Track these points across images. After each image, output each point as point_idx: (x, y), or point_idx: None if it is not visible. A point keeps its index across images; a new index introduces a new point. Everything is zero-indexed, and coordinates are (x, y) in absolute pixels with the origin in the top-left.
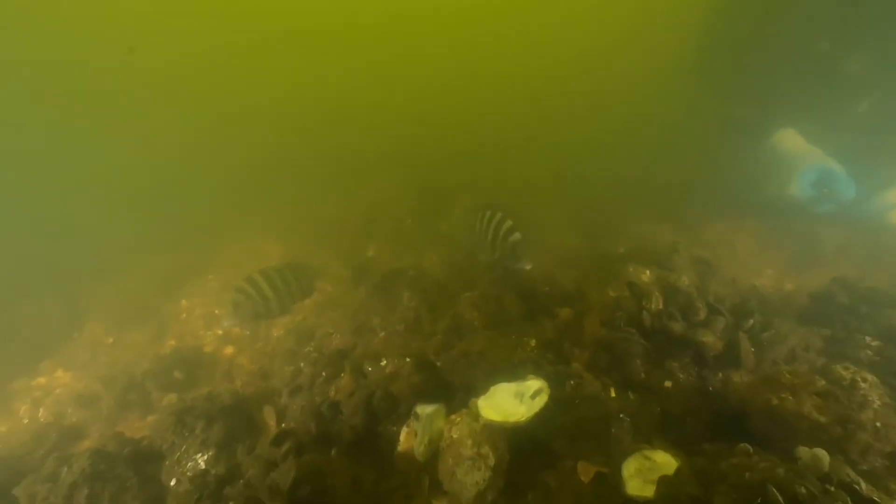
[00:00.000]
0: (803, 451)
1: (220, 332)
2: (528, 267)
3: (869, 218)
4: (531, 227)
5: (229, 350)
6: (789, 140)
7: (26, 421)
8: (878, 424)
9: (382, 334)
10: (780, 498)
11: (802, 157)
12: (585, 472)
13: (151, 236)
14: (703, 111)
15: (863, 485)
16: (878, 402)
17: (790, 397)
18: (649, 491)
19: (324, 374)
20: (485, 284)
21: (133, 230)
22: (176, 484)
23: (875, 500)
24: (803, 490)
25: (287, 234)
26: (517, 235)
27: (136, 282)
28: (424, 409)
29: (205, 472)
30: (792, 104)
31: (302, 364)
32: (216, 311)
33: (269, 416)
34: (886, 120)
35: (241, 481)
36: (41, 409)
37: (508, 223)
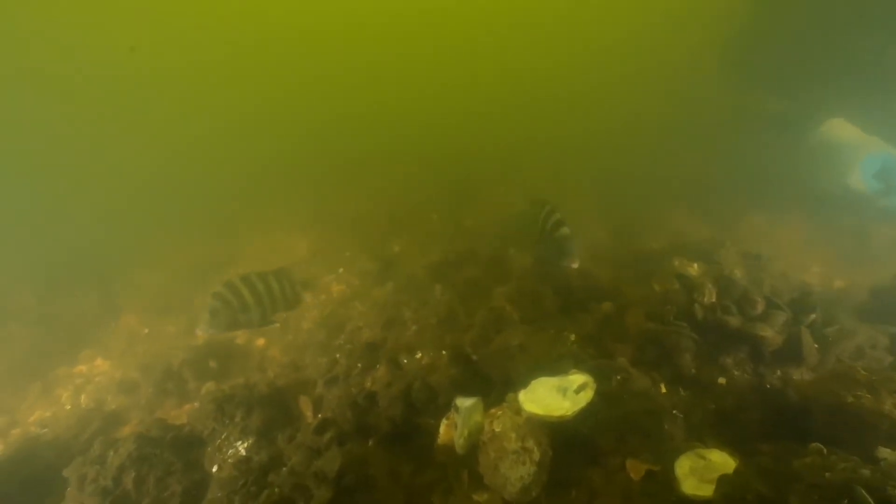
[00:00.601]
0: (887, 452)
1: None
2: (575, 265)
3: None
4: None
5: (261, 342)
6: (841, 130)
7: (69, 407)
8: None
9: (414, 328)
10: (871, 499)
11: (860, 147)
12: (635, 469)
13: (180, 231)
14: (739, 105)
15: None
16: None
17: (868, 395)
18: (707, 490)
19: (359, 365)
20: (518, 279)
21: (162, 225)
22: (218, 470)
23: None
24: (892, 490)
25: (313, 229)
26: (565, 230)
27: (167, 275)
28: (464, 402)
29: (248, 459)
30: (839, 95)
31: (338, 355)
32: None
33: (306, 406)
34: None
35: (285, 468)
36: (83, 396)
37: (557, 216)
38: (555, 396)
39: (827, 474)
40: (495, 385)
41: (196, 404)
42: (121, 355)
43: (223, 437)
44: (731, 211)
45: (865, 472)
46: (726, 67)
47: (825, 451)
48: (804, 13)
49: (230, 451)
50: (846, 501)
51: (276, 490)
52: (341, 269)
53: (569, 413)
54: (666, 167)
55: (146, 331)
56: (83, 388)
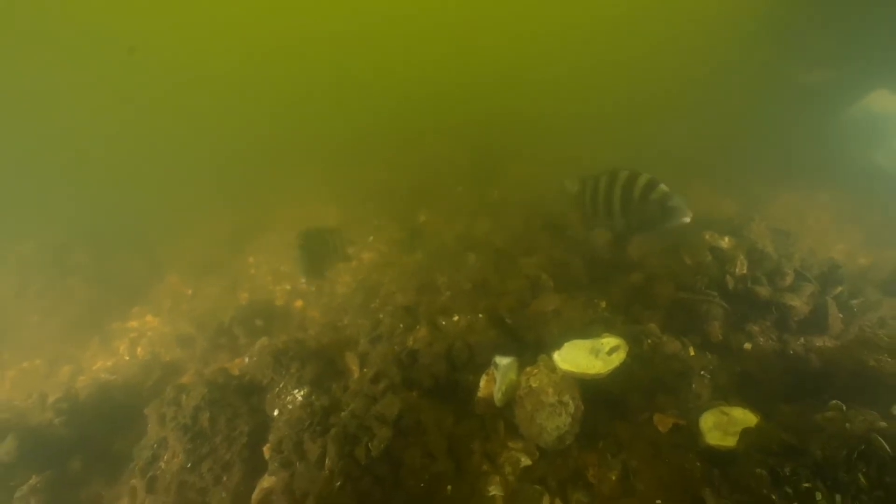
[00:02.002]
0: None
1: (287, 286)
2: (688, 219)
3: None
4: None
5: (299, 303)
6: (885, 101)
7: (127, 357)
8: None
9: (448, 293)
10: (887, 446)
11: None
12: (662, 423)
13: (216, 201)
14: (776, 76)
15: None
16: None
17: (889, 359)
18: (731, 441)
19: (401, 325)
20: (547, 249)
21: (200, 195)
22: (279, 414)
23: None
24: None
25: (342, 199)
26: (662, 187)
27: (205, 240)
28: (502, 360)
29: (310, 403)
30: (884, 65)
31: (381, 315)
32: (281, 268)
33: (352, 362)
34: None
35: (345, 412)
36: (138, 348)
37: (644, 178)
38: (587, 357)
39: (847, 425)
40: (529, 346)
41: (246, 359)
42: (168, 312)
43: (281, 385)
44: (760, 186)
45: (882, 423)
46: (765, 37)
47: (845, 407)
48: None
49: (288, 398)
50: (864, 447)
51: (342, 428)
52: (371, 238)
53: (603, 372)
54: (697, 141)
55: (190, 291)
56: (138, 341)
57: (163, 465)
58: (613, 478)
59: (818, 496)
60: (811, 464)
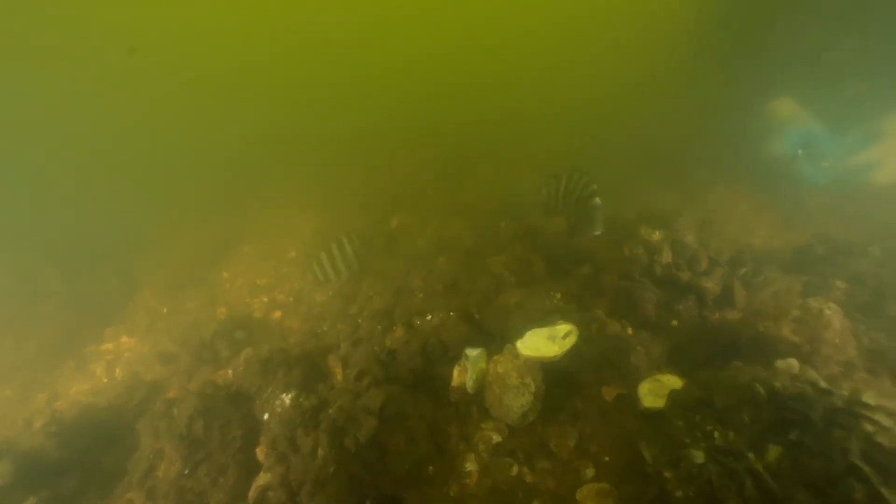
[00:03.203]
0: (779, 362)
1: (265, 299)
2: (598, 233)
3: (848, 180)
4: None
5: (277, 314)
6: (784, 106)
7: (105, 380)
8: (836, 342)
9: (421, 295)
10: (762, 390)
11: (791, 120)
12: (608, 393)
13: (190, 212)
14: (707, 86)
15: (822, 382)
16: (838, 325)
17: (772, 324)
18: (660, 403)
19: (379, 327)
20: (511, 248)
21: (172, 206)
22: (269, 418)
23: (829, 390)
24: (777, 384)
25: (316, 206)
26: (598, 200)
27: (180, 254)
28: (472, 352)
29: (299, 404)
30: (789, 79)
31: (360, 320)
32: (258, 281)
33: (335, 364)
34: (869, 99)
35: (331, 409)
36: (116, 369)
37: (594, 186)
38: (545, 343)
39: (739, 378)
40: (495, 338)
41: (230, 371)
42: (145, 331)
43: (269, 391)
44: (696, 183)
45: (763, 374)
46: (698, 54)
47: (741, 365)
48: (764, 7)
49: (276, 402)
50: (749, 393)
51: (332, 422)
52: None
53: (558, 354)
54: (644, 144)
55: (165, 309)
56: (115, 362)
57: (160, 473)
58: (571, 444)
59: (716, 435)
60: (713, 412)
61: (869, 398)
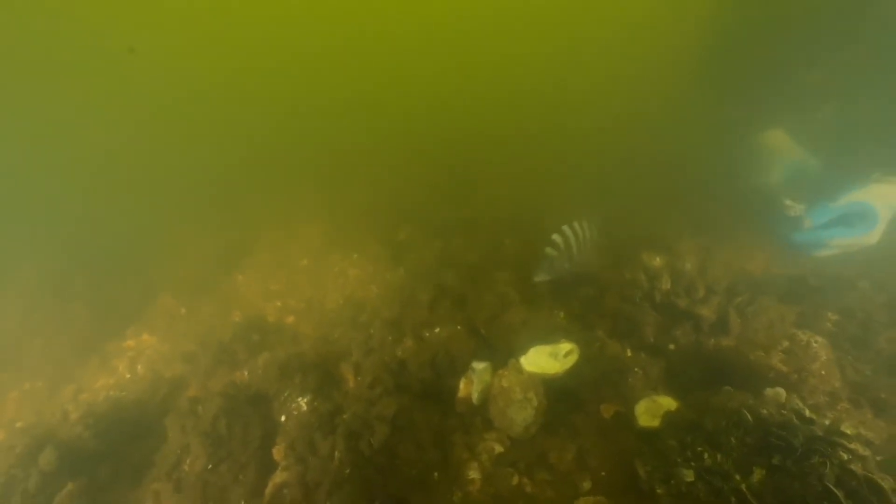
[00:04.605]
0: (768, 390)
1: (278, 303)
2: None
3: (829, 245)
4: (555, 213)
5: (291, 318)
6: (774, 138)
7: (128, 375)
8: (822, 373)
9: (430, 308)
10: (750, 416)
11: (780, 153)
12: (607, 411)
13: (204, 217)
14: (706, 113)
15: (807, 411)
16: (824, 357)
17: (763, 353)
18: (656, 422)
19: (390, 338)
20: (515, 266)
21: (185, 216)
22: (286, 419)
23: (812, 418)
24: (764, 411)
25: (324, 217)
26: (549, 250)
27: (195, 259)
28: (478, 365)
29: (316, 408)
30: (780, 106)
31: (371, 330)
32: (271, 286)
33: (347, 371)
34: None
35: (347, 414)
36: (139, 366)
37: (587, 225)
38: (548, 360)
39: (729, 404)
40: (500, 352)
41: (246, 372)
42: (165, 331)
43: (286, 394)
44: (699, 206)
45: (751, 400)
46: (700, 80)
47: (732, 391)
48: (757, 36)
49: (293, 405)
50: (737, 418)
51: (347, 427)
52: (356, 255)
53: (559, 371)
54: (647, 165)
55: (183, 310)
56: (137, 359)
57: (186, 467)
58: (570, 458)
59: (706, 456)
60: (704, 433)
61: (847, 428)
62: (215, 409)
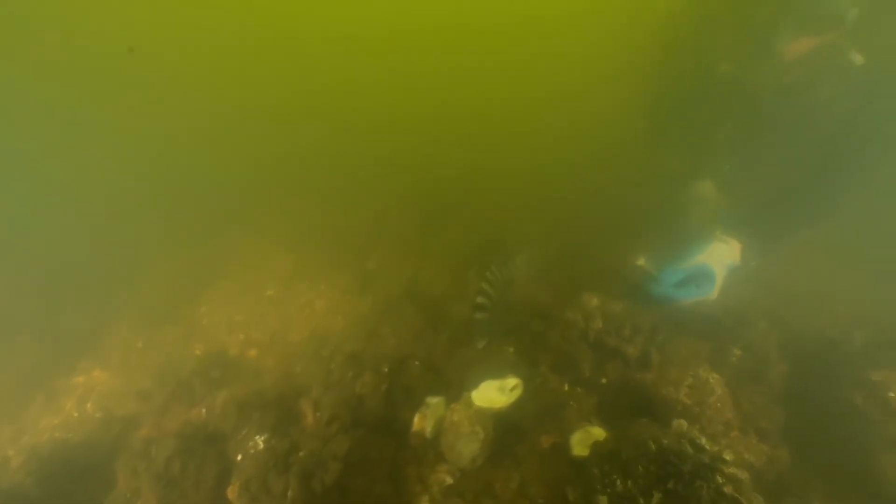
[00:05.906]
0: (674, 421)
1: (241, 336)
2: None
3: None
4: (523, 244)
5: (253, 352)
6: (700, 193)
7: (76, 414)
8: (718, 405)
9: (391, 341)
10: (653, 445)
11: (703, 203)
12: (546, 442)
13: (165, 243)
14: (655, 157)
15: (703, 439)
16: (720, 392)
17: (673, 389)
18: (586, 452)
19: (350, 373)
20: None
21: (140, 238)
22: (241, 458)
23: (704, 447)
24: (665, 441)
25: (293, 243)
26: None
27: (155, 287)
28: (432, 400)
29: (272, 447)
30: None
31: (332, 365)
32: (235, 317)
33: (306, 406)
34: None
35: (302, 452)
36: (88, 404)
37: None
38: (495, 393)
39: (641, 435)
40: (454, 387)
41: (203, 410)
42: (119, 366)
43: (243, 433)
44: (648, 244)
45: (657, 431)
46: (649, 126)
47: (646, 421)
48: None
49: (250, 443)
50: (644, 448)
51: (302, 465)
52: (323, 286)
53: (505, 405)
54: (593, 203)
55: (140, 343)
56: (86, 397)
57: None
58: (514, 487)
59: (618, 482)
60: (619, 462)
61: (728, 455)
62: (169, 450)
